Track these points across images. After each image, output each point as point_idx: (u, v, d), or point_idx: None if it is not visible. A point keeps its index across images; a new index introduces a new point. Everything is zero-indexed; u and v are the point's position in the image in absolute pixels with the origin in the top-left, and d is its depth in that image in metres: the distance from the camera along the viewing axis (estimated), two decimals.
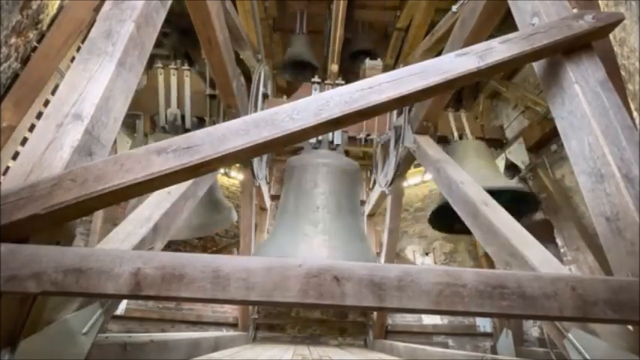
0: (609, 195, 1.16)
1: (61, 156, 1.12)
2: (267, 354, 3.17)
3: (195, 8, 2.05)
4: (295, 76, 5.51)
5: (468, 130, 3.62)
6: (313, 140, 3.63)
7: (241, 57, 3.37)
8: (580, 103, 1.29)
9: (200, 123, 3.36)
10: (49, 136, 1.15)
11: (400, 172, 3.62)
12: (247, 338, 5.06)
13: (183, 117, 3.28)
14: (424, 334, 5.29)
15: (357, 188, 3.54)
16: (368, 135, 3.85)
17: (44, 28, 2.35)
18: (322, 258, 2.11)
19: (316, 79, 3.80)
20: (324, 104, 1.21)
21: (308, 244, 2.58)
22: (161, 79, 3.33)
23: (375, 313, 5.27)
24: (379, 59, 4.01)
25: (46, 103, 2.34)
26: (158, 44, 4.68)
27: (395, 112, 3.48)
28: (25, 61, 2.25)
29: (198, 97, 3.37)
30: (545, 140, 3.76)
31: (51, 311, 1.11)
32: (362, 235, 3.22)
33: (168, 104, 3.29)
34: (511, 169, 3.96)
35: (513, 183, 3.32)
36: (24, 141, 2.19)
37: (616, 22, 1.39)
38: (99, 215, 4.41)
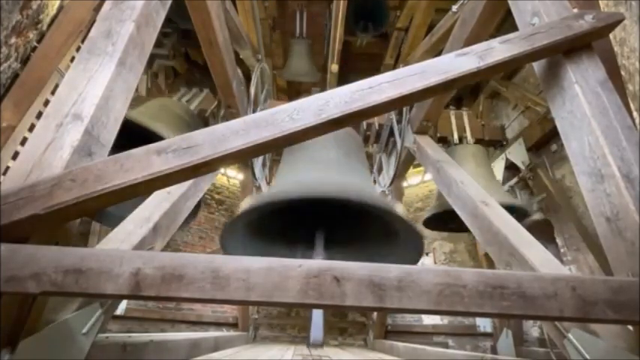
0: (609, 195, 1.16)
1: (61, 156, 1.12)
2: (267, 354, 3.17)
3: (195, 8, 2.05)
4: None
5: (468, 131, 3.62)
6: None
7: (241, 57, 3.37)
8: (580, 103, 1.29)
9: None
10: (49, 136, 1.15)
11: (400, 173, 3.62)
12: (247, 338, 5.06)
13: None
14: (424, 334, 5.30)
15: (361, 149, 3.43)
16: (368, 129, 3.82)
17: (44, 28, 2.35)
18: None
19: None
20: (324, 104, 1.21)
21: (316, 173, 2.40)
22: None
23: (375, 313, 5.27)
24: None
25: (46, 103, 2.34)
26: (158, 44, 4.67)
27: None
28: (25, 61, 2.25)
29: None
30: (545, 140, 3.76)
31: (51, 311, 1.11)
32: (367, 174, 3.04)
33: None
34: (511, 169, 3.96)
35: (506, 195, 3.32)
36: (24, 141, 2.18)
37: (616, 22, 1.39)
38: None
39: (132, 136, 1.83)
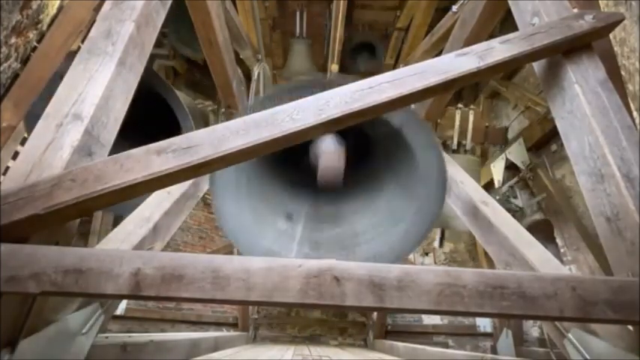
0: (609, 195, 1.16)
1: (61, 156, 1.12)
2: (267, 354, 3.18)
3: (195, 8, 2.05)
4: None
5: (469, 136, 3.54)
6: None
7: (241, 57, 3.37)
8: (580, 103, 1.29)
9: None
10: (49, 136, 1.15)
11: None
12: (247, 338, 5.06)
13: None
14: (424, 334, 5.30)
15: None
16: None
17: (44, 28, 2.35)
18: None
19: None
20: (324, 104, 1.21)
21: None
22: None
23: (375, 313, 5.27)
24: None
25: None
26: (158, 44, 4.67)
27: None
28: (25, 61, 2.25)
29: None
30: (545, 140, 3.77)
31: (51, 311, 1.11)
32: None
33: None
34: (511, 169, 3.96)
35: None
36: (24, 141, 2.18)
37: (616, 22, 1.39)
38: (99, 215, 4.42)
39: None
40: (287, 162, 2.02)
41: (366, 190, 2.14)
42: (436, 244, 3.47)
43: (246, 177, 1.86)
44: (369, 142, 2.00)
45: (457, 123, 3.54)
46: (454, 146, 3.53)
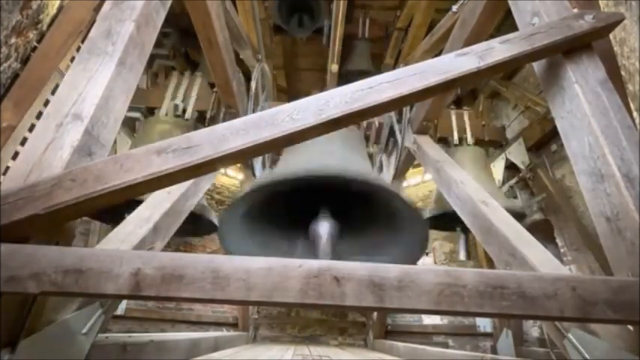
0: (609, 195, 1.16)
1: (61, 156, 1.12)
2: (267, 354, 3.18)
3: (195, 8, 2.05)
4: (294, 27, 5.00)
5: (469, 131, 3.61)
6: None
7: (241, 57, 3.37)
8: (580, 103, 1.29)
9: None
10: (48, 136, 1.15)
11: (400, 172, 3.62)
12: (247, 338, 5.06)
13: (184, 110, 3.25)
14: (424, 334, 5.29)
15: (363, 145, 3.36)
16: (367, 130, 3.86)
17: (44, 28, 2.35)
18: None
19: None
20: (324, 104, 1.21)
21: (319, 157, 2.28)
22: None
23: (375, 313, 5.27)
24: None
25: (46, 103, 2.33)
26: (158, 44, 4.67)
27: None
28: (25, 61, 2.25)
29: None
30: (545, 140, 3.76)
31: (51, 311, 1.11)
32: (369, 166, 2.96)
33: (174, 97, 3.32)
34: (511, 169, 3.96)
35: (505, 199, 3.28)
36: (24, 141, 2.18)
37: (616, 22, 1.39)
38: None
39: None
40: (285, 216, 2.09)
41: (354, 236, 2.23)
42: (462, 256, 3.40)
43: (249, 227, 1.93)
44: (358, 217, 2.06)
45: (454, 122, 3.60)
46: (456, 142, 3.57)
